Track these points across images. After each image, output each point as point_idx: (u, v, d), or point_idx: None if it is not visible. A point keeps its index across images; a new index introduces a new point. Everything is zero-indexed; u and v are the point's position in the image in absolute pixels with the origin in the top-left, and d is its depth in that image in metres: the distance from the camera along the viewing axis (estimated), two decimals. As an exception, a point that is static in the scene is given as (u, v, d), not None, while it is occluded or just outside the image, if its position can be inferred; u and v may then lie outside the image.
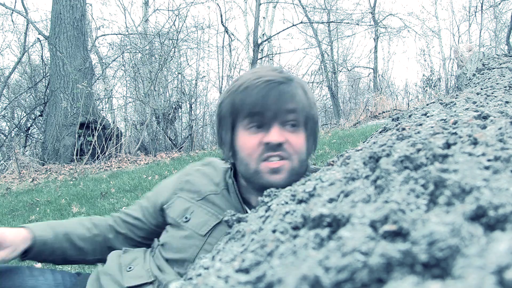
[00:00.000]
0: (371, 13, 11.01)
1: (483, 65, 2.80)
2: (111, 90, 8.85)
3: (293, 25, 9.32)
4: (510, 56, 2.89)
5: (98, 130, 6.30)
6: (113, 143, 6.43)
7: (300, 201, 0.43)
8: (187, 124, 8.72)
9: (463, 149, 0.40)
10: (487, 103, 0.85)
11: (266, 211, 0.46)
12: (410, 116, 0.85)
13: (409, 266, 0.23)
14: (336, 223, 0.32)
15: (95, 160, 6.32)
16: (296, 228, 0.36)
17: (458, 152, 0.39)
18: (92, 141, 6.27)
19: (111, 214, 1.08)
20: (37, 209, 3.57)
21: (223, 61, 9.24)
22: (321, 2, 10.92)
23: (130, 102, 8.69)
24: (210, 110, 9.43)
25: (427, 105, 0.99)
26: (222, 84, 8.95)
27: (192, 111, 8.65)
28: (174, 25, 8.44)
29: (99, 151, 6.30)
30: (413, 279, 0.21)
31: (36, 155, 7.15)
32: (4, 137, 7.39)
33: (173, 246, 0.91)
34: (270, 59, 9.96)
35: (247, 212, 0.89)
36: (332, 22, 11.15)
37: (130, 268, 0.93)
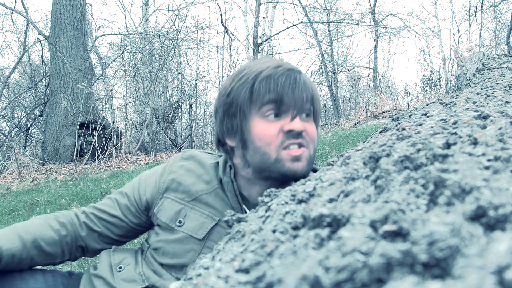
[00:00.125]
0: (371, 13, 11.01)
1: (483, 65, 2.80)
2: (111, 90, 8.85)
3: (293, 25, 9.32)
4: (510, 56, 2.89)
5: (98, 130, 6.30)
6: (113, 143, 6.43)
7: (300, 201, 0.43)
8: (187, 124, 8.72)
9: (463, 149, 0.40)
10: (487, 103, 0.85)
11: (266, 211, 0.46)
12: (410, 116, 0.85)
13: (409, 266, 0.23)
14: (336, 223, 0.32)
15: (95, 160, 6.33)
16: (296, 228, 0.36)
17: (458, 152, 0.39)
18: (92, 141, 6.27)
19: (80, 209, 1.00)
20: (37, 209, 3.57)
21: (223, 61, 9.24)
22: (321, 2, 10.92)
23: (130, 102, 8.69)
24: (210, 110, 9.43)
25: (427, 105, 0.99)
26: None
27: (192, 111, 8.65)
28: (174, 25, 8.44)
29: (99, 151, 6.30)
30: (413, 279, 0.21)
31: (36, 155, 7.15)
32: (4, 137, 7.39)
33: (169, 251, 0.88)
34: (270, 59, 9.93)
35: (245, 211, 0.88)
36: (332, 22, 11.15)
37: (120, 268, 0.91)
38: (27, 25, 7.95)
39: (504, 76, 1.89)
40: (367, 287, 0.22)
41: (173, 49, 8.11)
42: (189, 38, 9.28)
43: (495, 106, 0.81)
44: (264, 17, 11.11)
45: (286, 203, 0.44)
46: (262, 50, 9.16)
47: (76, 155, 5.95)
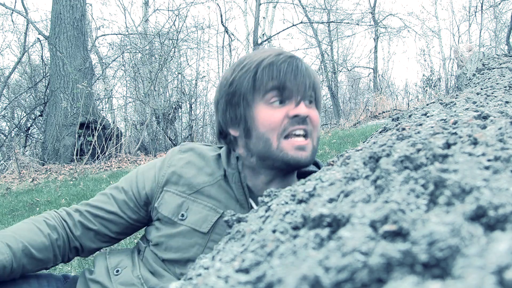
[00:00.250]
0: (371, 13, 11.01)
1: (483, 65, 2.80)
2: (111, 90, 8.85)
3: (293, 25, 9.32)
4: (510, 56, 2.89)
5: (98, 130, 6.30)
6: (113, 143, 6.42)
7: (300, 201, 0.43)
8: (187, 124, 8.72)
9: (463, 149, 0.40)
10: (487, 103, 0.85)
11: (266, 211, 0.46)
12: (410, 116, 0.85)
13: (409, 266, 0.23)
14: (336, 223, 0.32)
15: (95, 160, 6.32)
16: (296, 228, 0.36)
17: (458, 152, 0.39)
18: (92, 141, 6.27)
19: (72, 207, 0.95)
20: (37, 209, 3.57)
21: (223, 61, 9.24)
22: (321, 2, 10.92)
23: (130, 102, 8.69)
24: (210, 110, 9.43)
25: (427, 105, 0.99)
26: (222, 84, 8.93)
27: (192, 111, 8.65)
28: (174, 25, 8.44)
29: (99, 151, 6.30)
30: (413, 279, 0.21)
31: (36, 155, 7.15)
32: (4, 137, 7.38)
33: (172, 246, 0.86)
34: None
35: (251, 204, 0.87)
36: (332, 22, 11.15)
37: (117, 271, 0.88)
38: (27, 25, 7.95)
39: (504, 76, 1.89)
40: (367, 287, 0.22)
41: (173, 49, 8.11)
42: (189, 38, 9.28)
43: (495, 106, 0.81)
44: (264, 17, 11.11)
45: (286, 203, 0.44)
46: (262, 50, 9.14)
47: (76, 155, 5.95)
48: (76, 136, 6.23)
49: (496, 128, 0.47)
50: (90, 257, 2.14)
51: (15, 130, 7.69)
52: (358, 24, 10.73)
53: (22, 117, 8.29)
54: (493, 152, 0.37)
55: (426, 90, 9.91)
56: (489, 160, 0.36)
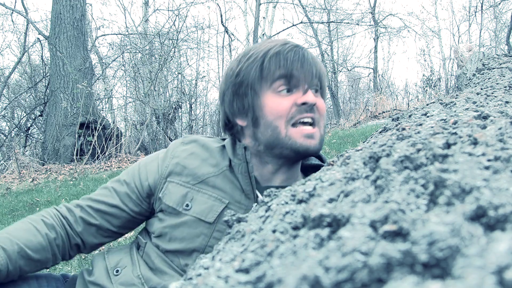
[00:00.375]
0: (371, 13, 11.01)
1: (483, 65, 2.80)
2: (111, 90, 8.85)
3: (293, 25, 9.32)
4: (510, 56, 2.89)
5: (98, 130, 6.30)
6: (113, 143, 6.42)
7: (300, 201, 0.43)
8: (187, 124, 8.72)
9: (463, 149, 0.40)
10: (487, 103, 0.85)
11: (266, 211, 0.46)
12: (410, 116, 0.85)
13: (409, 266, 0.23)
14: (336, 223, 0.32)
15: (95, 160, 6.32)
16: (296, 228, 0.36)
17: (458, 152, 0.39)
18: (92, 141, 6.27)
19: (73, 202, 0.93)
20: (37, 209, 3.57)
21: (223, 61, 9.24)
22: (321, 2, 10.92)
23: (130, 102, 8.69)
24: (210, 110, 9.44)
25: (427, 105, 0.99)
26: (222, 84, 8.95)
27: (192, 111, 8.65)
28: (174, 25, 8.44)
29: (99, 151, 6.30)
30: (413, 279, 0.21)
31: (36, 155, 7.15)
32: (4, 137, 7.38)
33: (176, 236, 0.85)
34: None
35: (256, 195, 0.86)
36: (332, 22, 11.15)
37: (117, 271, 0.87)
38: (27, 25, 7.95)
39: (504, 76, 1.89)
40: (367, 287, 0.22)
41: (173, 49, 8.11)
42: (189, 38, 9.29)
43: (495, 106, 0.81)
44: (264, 17, 11.11)
45: (286, 203, 0.44)
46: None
47: (76, 155, 5.95)
48: (76, 136, 6.23)
49: (496, 128, 0.47)
50: (90, 258, 2.14)
51: (15, 130, 7.69)
52: (358, 24, 10.74)
53: (22, 117, 8.29)
54: (493, 152, 0.37)
55: (426, 90, 9.91)
56: (489, 160, 0.36)
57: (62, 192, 4.16)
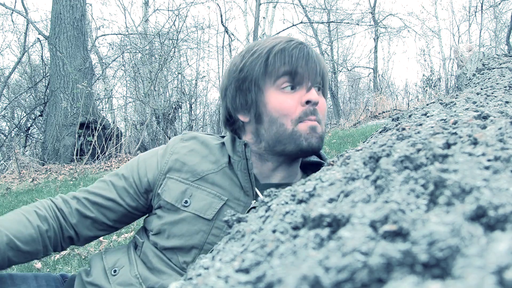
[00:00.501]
0: (371, 13, 11.01)
1: (483, 65, 2.80)
2: (111, 90, 8.85)
3: (293, 25, 9.32)
4: (510, 56, 2.89)
5: (98, 130, 6.30)
6: (113, 143, 6.43)
7: (300, 201, 0.43)
8: (187, 124, 8.72)
9: (463, 149, 0.40)
10: (487, 103, 0.85)
11: (266, 211, 0.46)
12: (410, 116, 0.85)
13: (409, 266, 0.23)
14: (336, 223, 0.32)
15: (95, 160, 6.32)
16: (296, 228, 0.36)
17: (458, 152, 0.39)
18: (92, 141, 6.27)
19: (70, 194, 0.92)
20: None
21: (223, 61, 9.24)
22: (321, 2, 10.92)
23: (130, 102, 8.69)
24: (210, 110, 9.44)
25: (427, 105, 0.99)
26: (222, 84, 8.96)
27: (192, 111, 8.65)
28: (174, 25, 8.44)
29: (99, 151, 6.30)
30: (413, 279, 0.21)
31: (36, 155, 7.15)
32: (4, 137, 7.38)
33: (175, 233, 0.84)
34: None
35: (256, 192, 0.87)
36: (332, 22, 11.16)
37: (115, 271, 0.86)
38: (27, 25, 7.95)
39: (504, 76, 1.89)
40: (367, 287, 0.22)
41: (173, 49, 8.11)
42: (189, 38, 9.29)
43: (495, 106, 0.81)
44: (264, 17, 11.11)
45: (286, 203, 0.44)
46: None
47: (76, 155, 5.95)
48: (76, 136, 6.23)
49: (496, 128, 0.47)
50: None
51: (15, 130, 7.69)
52: (358, 24, 10.74)
53: (22, 117, 8.29)
54: (493, 152, 0.37)
55: (426, 90, 9.91)
56: (489, 160, 0.36)
57: (62, 192, 4.15)
